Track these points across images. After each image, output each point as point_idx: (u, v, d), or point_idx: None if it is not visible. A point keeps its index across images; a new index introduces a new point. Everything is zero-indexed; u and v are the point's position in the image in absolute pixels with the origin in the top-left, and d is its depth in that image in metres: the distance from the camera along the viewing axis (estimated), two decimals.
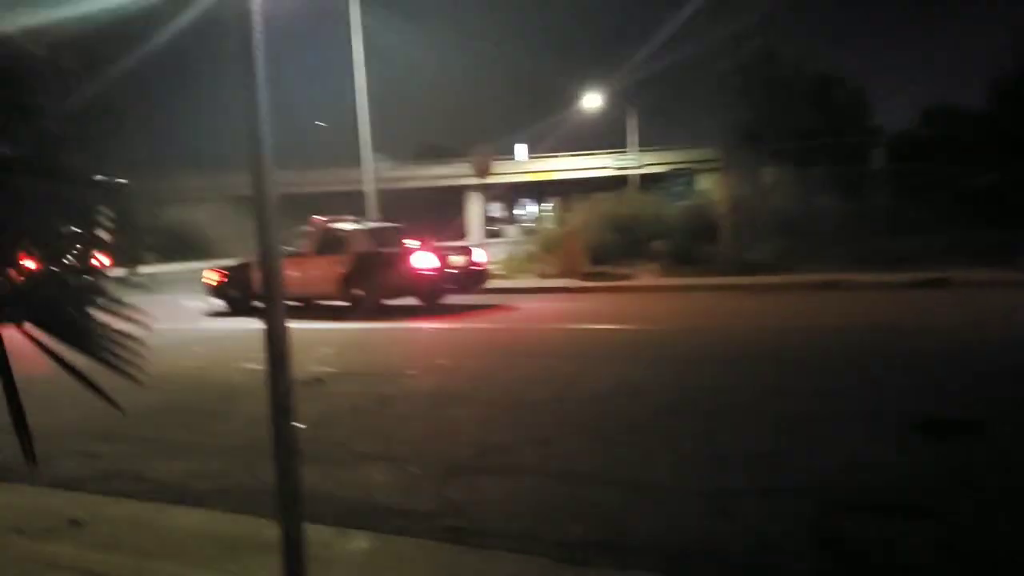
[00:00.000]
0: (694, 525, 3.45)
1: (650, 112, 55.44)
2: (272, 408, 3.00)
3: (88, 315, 2.18)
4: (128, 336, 2.26)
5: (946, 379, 5.88)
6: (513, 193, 70.79)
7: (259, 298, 8.99)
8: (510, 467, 4.35)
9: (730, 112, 19.56)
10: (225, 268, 13.93)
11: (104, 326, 2.18)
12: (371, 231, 12.64)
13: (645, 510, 3.68)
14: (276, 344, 2.97)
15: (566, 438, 4.80)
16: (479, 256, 13.11)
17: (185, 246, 45.86)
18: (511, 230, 48.73)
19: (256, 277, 9.81)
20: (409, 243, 12.89)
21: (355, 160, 23.19)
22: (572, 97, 55.70)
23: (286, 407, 2.93)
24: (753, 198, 16.57)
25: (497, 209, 76.79)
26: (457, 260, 12.39)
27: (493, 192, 66.92)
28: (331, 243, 12.64)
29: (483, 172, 18.59)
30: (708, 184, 22.23)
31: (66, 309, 2.16)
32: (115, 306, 2.25)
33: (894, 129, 30.12)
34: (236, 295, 13.40)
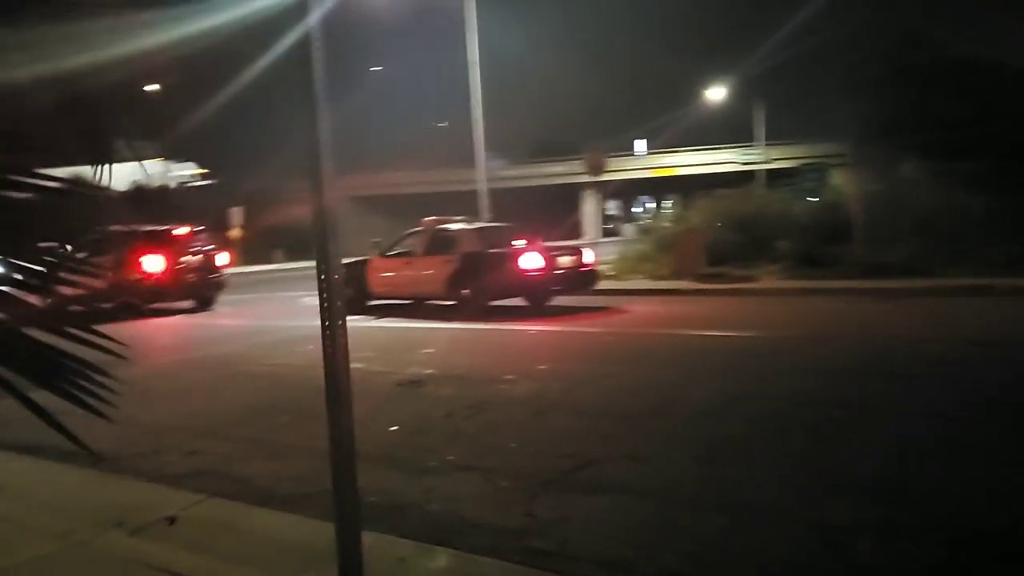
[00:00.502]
0: (801, 561, 3.05)
1: (778, 104, 53.05)
2: (330, 425, 2.86)
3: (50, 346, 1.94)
4: (97, 370, 2.06)
5: None
6: (632, 190, 69.74)
7: (374, 296, 9.02)
8: (604, 484, 4.07)
9: (864, 103, 18.19)
10: (343, 265, 14.25)
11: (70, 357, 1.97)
12: (479, 231, 12.59)
13: (747, 540, 3.31)
14: (336, 350, 2.83)
15: (665, 455, 4.46)
16: (588, 257, 12.80)
17: (311, 245, 48.03)
18: (628, 229, 47.87)
19: (370, 275, 10.07)
20: (518, 243, 12.75)
21: (472, 160, 23.39)
22: (693, 89, 54.23)
23: (344, 427, 2.79)
24: (888, 195, 15.33)
25: (615, 207, 75.88)
26: (565, 261, 12.13)
27: (611, 189, 66.16)
28: (439, 243, 12.69)
29: (596, 169, 18.22)
30: (840, 180, 20.85)
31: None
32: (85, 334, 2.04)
33: None
34: (349, 293, 13.69)
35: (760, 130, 44.34)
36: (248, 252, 42.07)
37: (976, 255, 12.95)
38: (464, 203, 23.74)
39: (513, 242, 12.90)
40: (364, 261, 13.61)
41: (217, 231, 35.57)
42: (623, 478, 4.14)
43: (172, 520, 3.76)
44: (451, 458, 4.62)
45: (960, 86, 23.44)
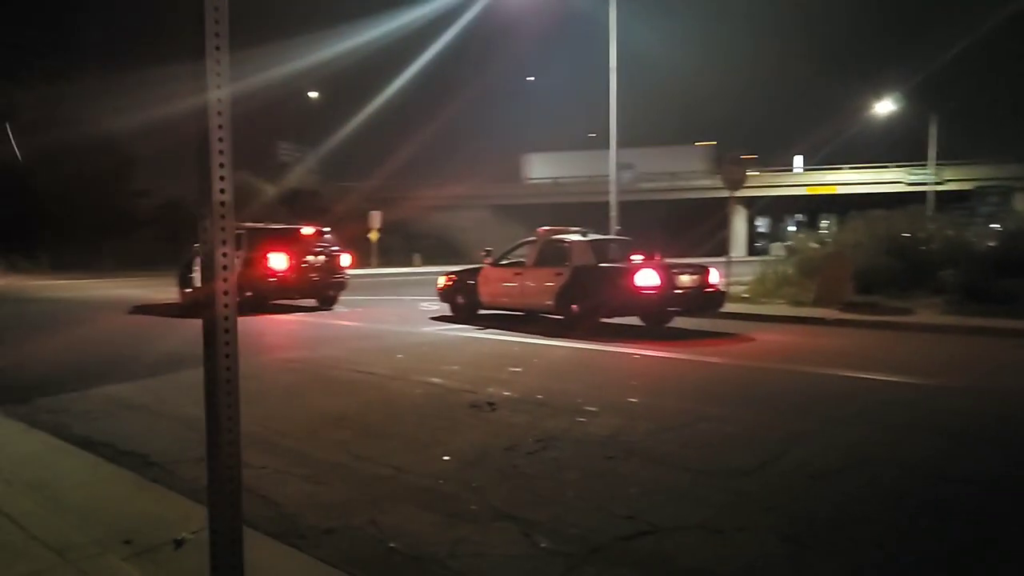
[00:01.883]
0: None
1: (952, 120, 48.60)
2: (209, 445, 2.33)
3: None
4: None
5: None
6: (788, 208, 66.30)
7: (484, 305, 8.60)
8: (663, 559, 3.31)
9: None
10: (455, 273, 14.00)
11: None
12: (593, 244, 11.86)
13: None
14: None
15: (750, 529, 3.61)
16: (714, 276, 11.76)
17: (448, 249, 48.97)
18: (776, 248, 45.23)
19: (481, 284, 9.66)
20: (634, 258, 11.93)
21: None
22: (856, 103, 50.72)
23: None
24: None
25: (766, 225, 72.33)
26: (686, 279, 11.16)
27: (762, 206, 63.12)
28: (551, 254, 12.09)
29: (735, 184, 16.95)
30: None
31: None
32: None
33: None
34: (461, 301, 13.38)
35: (931, 148, 40.53)
36: (385, 254, 43.37)
37: None
38: (601, 214, 23.06)
39: (630, 257, 12.11)
40: (476, 269, 13.26)
41: (354, 233, 36.99)
42: (688, 555, 3.36)
43: (180, 543, 3.40)
44: (496, 503, 4.00)
45: None
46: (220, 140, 1.93)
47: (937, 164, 43.89)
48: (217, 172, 1.91)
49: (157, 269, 28.36)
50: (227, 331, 2.04)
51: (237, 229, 12.18)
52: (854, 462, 4.70)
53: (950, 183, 46.96)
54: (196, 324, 9.36)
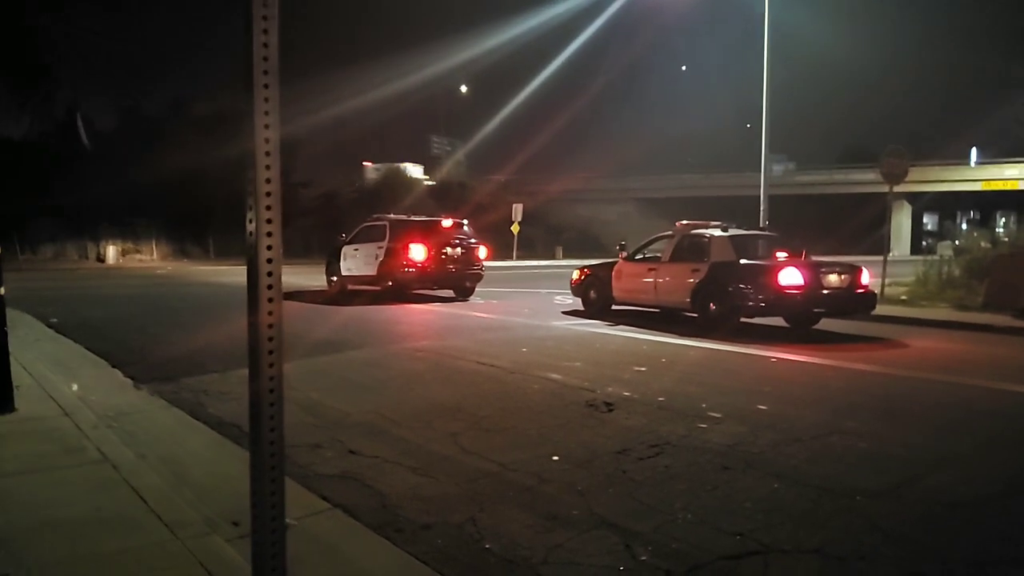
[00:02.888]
0: None
1: None
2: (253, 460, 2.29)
3: None
4: None
5: None
6: (961, 204, 61.00)
7: (618, 301, 8.61)
8: None
9: None
10: (589, 267, 13.85)
11: None
12: (733, 239, 11.32)
13: None
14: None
15: (871, 559, 3.27)
16: (865, 276, 10.93)
17: (591, 243, 48.78)
18: (943, 247, 41.67)
19: (615, 279, 9.58)
20: (779, 256, 11.29)
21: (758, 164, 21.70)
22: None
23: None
24: None
25: (934, 222, 66.95)
26: (834, 279, 10.44)
27: (929, 202, 58.41)
28: (689, 250, 11.67)
29: (895, 178, 15.67)
30: None
31: None
32: None
33: None
34: (594, 296, 13.22)
35: None
36: (528, 247, 43.80)
37: None
38: (749, 209, 22.16)
39: (775, 254, 11.48)
40: (610, 264, 13.04)
41: (497, 225, 37.56)
42: None
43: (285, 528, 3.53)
44: (599, 509, 3.86)
45: None
46: (267, 181, 1.90)
47: None
48: (264, 203, 1.88)
49: (313, 257, 30.16)
50: (271, 351, 2.00)
51: (380, 221, 12.66)
52: (1006, 492, 4.17)
53: None
54: (338, 311, 9.98)
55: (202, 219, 38.49)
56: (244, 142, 1.94)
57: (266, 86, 1.86)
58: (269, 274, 1.91)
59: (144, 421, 5.24)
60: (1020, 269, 13.62)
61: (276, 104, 1.87)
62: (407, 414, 5.82)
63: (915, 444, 5.08)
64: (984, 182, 53.16)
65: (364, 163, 56.75)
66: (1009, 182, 51.60)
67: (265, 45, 1.83)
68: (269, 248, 1.87)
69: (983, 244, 17.18)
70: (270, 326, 1.98)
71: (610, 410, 5.86)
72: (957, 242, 20.68)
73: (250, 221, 1.91)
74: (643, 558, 3.31)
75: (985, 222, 42.39)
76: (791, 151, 63.85)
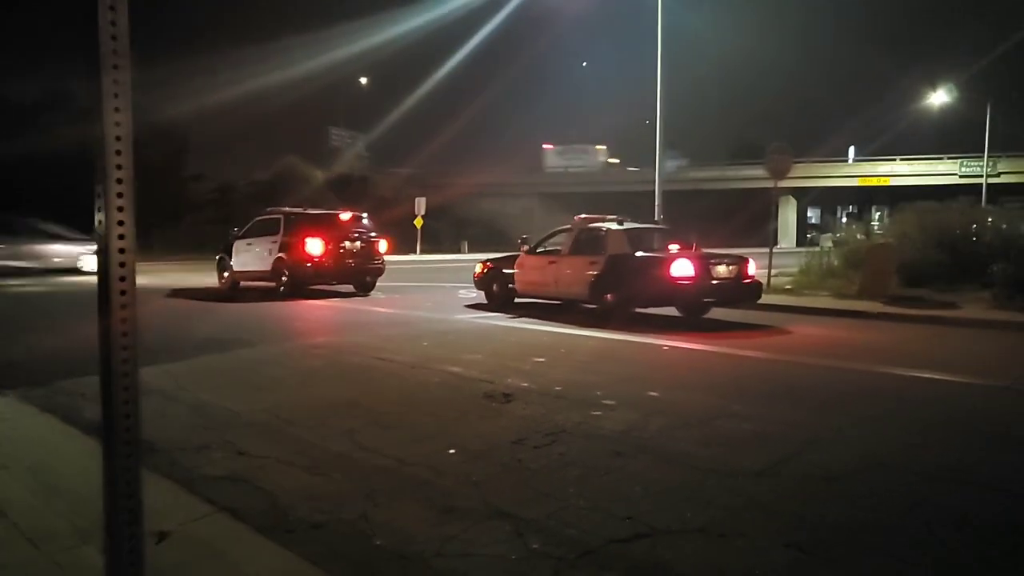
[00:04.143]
0: None
1: (1010, 110, 46.91)
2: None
3: None
4: None
5: None
6: (840, 199, 64.64)
7: (520, 294, 8.59)
8: (657, 566, 3.16)
9: None
10: (491, 261, 13.90)
11: None
12: (629, 233, 11.61)
13: None
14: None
15: (754, 534, 3.43)
16: (752, 267, 11.44)
17: (496, 237, 48.93)
18: (825, 239, 44.18)
19: (517, 272, 9.61)
20: (671, 248, 11.67)
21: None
22: (910, 93, 49.21)
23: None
24: None
25: (817, 216, 70.67)
26: (723, 270, 10.87)
27: (814, 197, 61.62)
28: (587, 243, 11.90)
29: (779, 174, 16.46)
30: None
31: None
32: None
33: None
34: (496, 289, 13.27)
35: (985, 139, 39.16)
36: (433, 241, 43.53)
37: None
38: (648, 204, 22.73)
39: (668, 247, 11.85)
40: (511, 257, 13.14)
41: (401, 219, 37.17)
42: (683, 560, 3.19)
43: (163, 536, 3.36)
44: (494, 499, 3.88)
45: None
46: (119, 168, 1.78)
47: (991, 156, 42.37)
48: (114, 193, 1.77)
49: (206, 253, 28.96)
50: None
51: (275, 214, 12.26)
52: (875, 464, 4.45)
53: (1005, 175, 45.11)
54: (230, 309, 9.62)
55: (88, 216, 36.15)
56: (92, 128, 1.82)
57: (115, 66, 1.75)
58: (122, 272, 1.79)
59: (8, 429, 4.89)
60: (890, 260, 14.61)
61: (127, 86, 1.76)
62: (302, 412, 5.68)
63: (794, 424, 5.35)
64: (860, 178, 56.53)
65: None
66: (881, 178, 55.05)
67: (112, 23, 1.72)
68: (122, 239, 1.76)
69: (858, 236, 18.29)
70: (124, 330, 1.85)
71: (508, 401, 5.90)
72: (837, 235, 21.94)
73: (99, 210, 1.79)
74: (535, 546, 3.34)
75: (861, 216, 45.15)
76: (686, 148, 66.04)
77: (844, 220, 51.32)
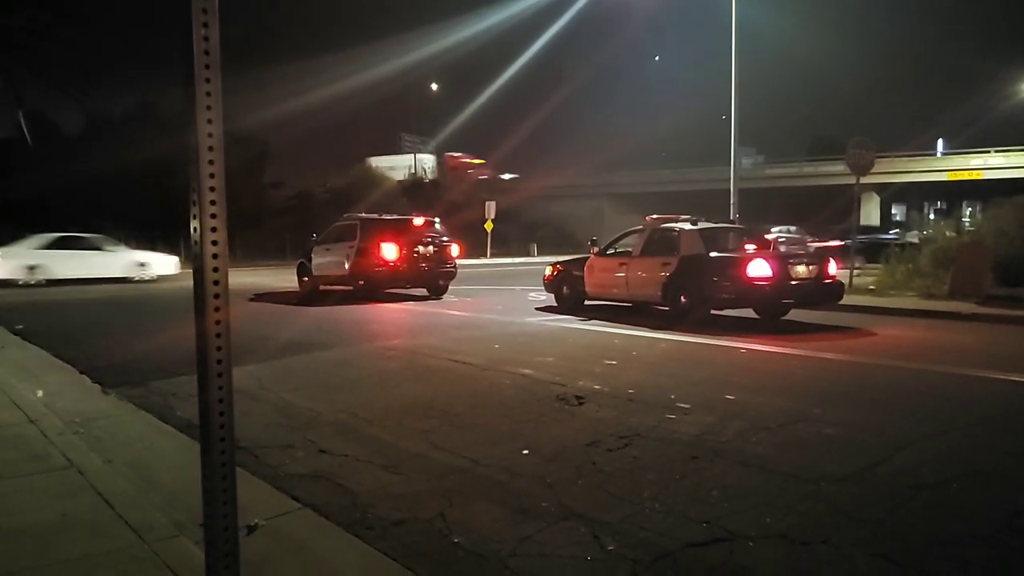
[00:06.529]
0: None
1: None
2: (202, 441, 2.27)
3: None
4: None
5: None
6: (930, 195, 61.98)
7: (590, 296, 8.59)
8: (736, 570, 3.11)
9: None
10: (561, 263, 13.90)
11: None
12: (702, 232, 11.43)
13: None
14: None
15: (836, 541, 3.33)
16: (833, 267, 11.10)
17: (566, 239, 48.87)
18: (911, 236, 42.38)
19: (587, 274, 9.62)
20: (748, 248, 11.42)
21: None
22: (1001, 82, 46.75)
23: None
24: None
25: (903, 212, 67.98)
26: (802, 270, 10.58)
27: (897, 193, 59.28)
28: (659, 244, 11.76)
29: (861, 169, 15.91)
30: None
31: None
32: None
33: None
34: (567, 291, 13.26)
35: None
36: (503, 244, 43.77)
37: None
38: (721, 203, 22.33)
39: (744, 246, 11.60)
40: (582, 259, 13.10)
41: (471, 223, 37.51)
42: (762, 566, 3.14)
43: (252, 529, 3.51)
44: (568, 501, 3.89)
45: None
46: (211, 176, 1.87)
47: None
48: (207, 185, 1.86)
49: (287, 258, 29.90)
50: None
51: (351, 220, 12.56)
52: (968, 473, 4.27)
53: None
54: (309, 312, 9.91)
55: (172, 220, 37.89)
56: (186, 137, 1.92)
57: (207, 79, 1.85)
58: (216, 276, 1.89)
59: (111, 426, 5.18)
60: (984, 257, 13.92)
61: (219, 97, 1.86)
62: (378, 413, 5.81)
63: (880, 429, 5.17)
64: (949, 172, 54.07)
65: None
66: (973, 172, 52.52)
67: (205, 39, 1.81)
68: (215, 245, 1.86)
69: (948, 233, 17.48)
70: (218, 332, 1.95)
71: (581, 404, 5.90)
72: (924, 232, 21.07)
73: (194, 218, 1.89)
74: (611, 548, 3.34)
75: (951, 212, 43.12)
76: (761, 145, 64.52)
77: (932, 216, 49.12)
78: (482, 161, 56.33)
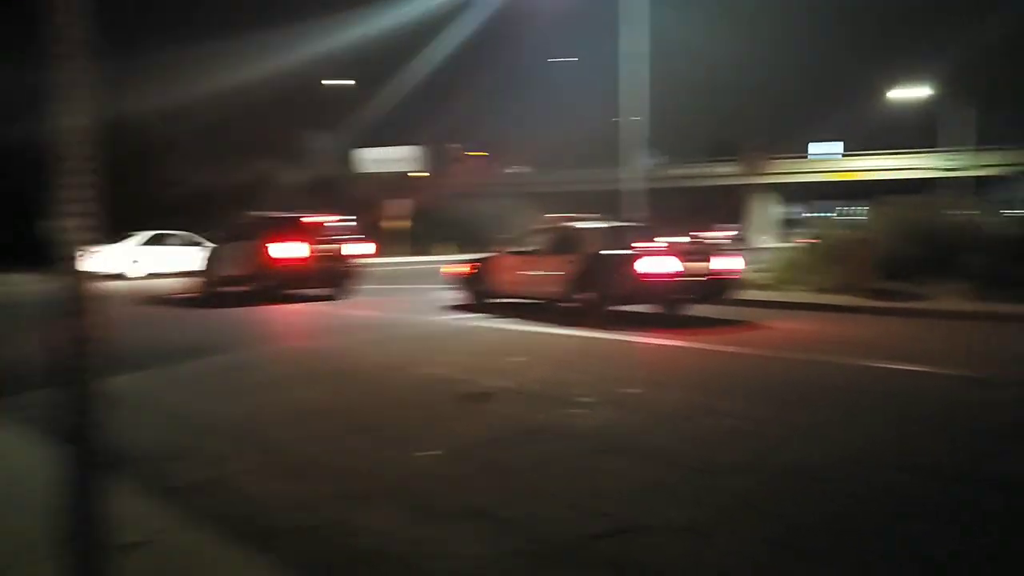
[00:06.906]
0: None
1: (993, 105, 47.84)
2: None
3: None
4: None
5: None
6: (824, 194, 65.23)
7: (498, 294, 8.38)
8: (634, 563, 3.11)
9: None
10: (468, 261, 13.84)
11: None
12: (605, 231, 11.61)
13: None
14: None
15: (734, 531, 3.40)
16: (730, 263, 11.47)
17: (481, 237, 48.79)
18: (805, 234, 44.63)
19: (494, 272, 9.49)
20: (648, 245, 11.62)
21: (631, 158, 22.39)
22: (886, 88, 49.80)
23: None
24: None
25: (799, 211, 71.26)
26: (699, 266, 10.86)
27: (793, 193, 62.11)
28: (563, 242, 11.88)
29: (753, 170, 16.56)
30: None
31: None
32: None
33: None
34: (474, 289, 13.22)
35: (946, 134, 40.06)
36: (415, 242, 43.32)
37: None
38: (627, 202, 22.77)
39: (646, 244, 11.81)
40: (489, 257, 13.09)
41: (378, 221, 37.00)
42: (662, 557, 3.16)
43: (131, 548, 3.27)
44: (470, 499, 3.83)
45: None
46: (81, 163, 1.71)
47: (976, 150, 43.04)
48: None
49: None
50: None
51: (250, 218, 12.06)
52: (855, 459, 4.45)
53: (988, 168, 45.69)
54: (206, 314, 9.45)
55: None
56: (55, 122, 1.75)
57: (69, 58, 1.68)
58: (79, 275, 1.73)
59: None
60: (868, 254, 14.73)
61: (86, 80, 1.70)
62: (277, 418, 5.60)
63: (774, 419, 5.35)
64: (837, 173, 57.06)
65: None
66: (857, 173, 55.55)
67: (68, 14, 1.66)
68: (81, 236, 1.70)
69: (837, 231, 18.43)
70: (86, 337, 1.79)
71: (486, 401, 5.85)
72: (816, 230, 22.16)
73: (58, 206, 1.72)
74: (512, 544, 3.30)
75: (843, 211, 45.60)
76: (666, 146, 66.27)
77: (832, 215, 51.72)
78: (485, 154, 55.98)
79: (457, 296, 13.96)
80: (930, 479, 4.09)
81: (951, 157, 47.29)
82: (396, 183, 50.46)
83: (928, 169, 48.55)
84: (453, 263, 14.07)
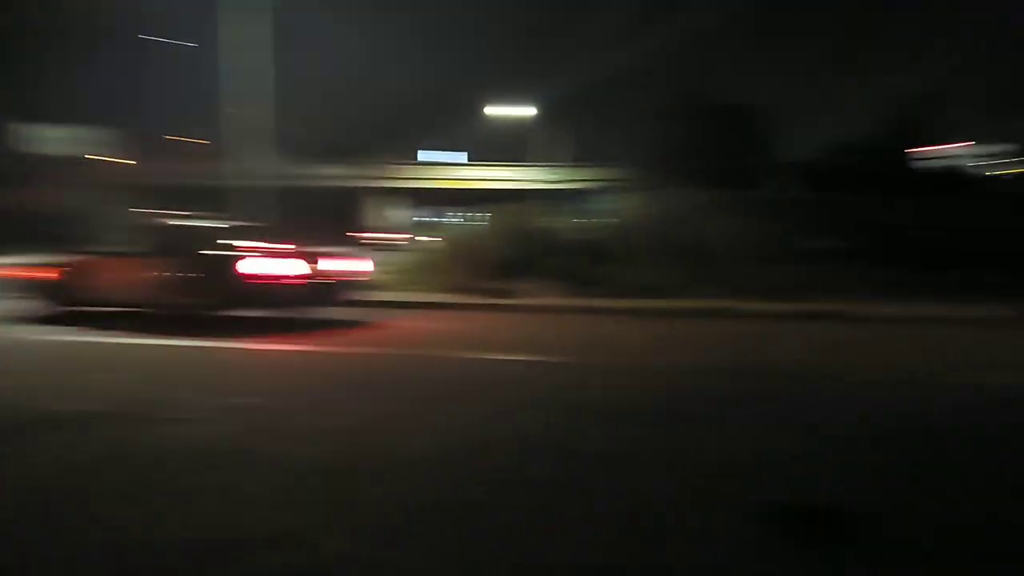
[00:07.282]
0: None
1: (591, 126, 57.39)
2: None
3: None
4: None
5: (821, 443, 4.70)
6: (447, 200, 69.77)
7: (77, 301, 6.79)
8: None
9: (649, 132, 20.47)
10: (39, 265, 11.70)
11: None
12: (211, 230, 10.84)
13: None
14: None
15: (325, 529, 3.34)
16: (352, 265, 11.59)
17: (70, 236, 42.28)
18: (425, 237, 47.66)
19: (76, 276, 7.92)
20: (256, 246, 11.02)
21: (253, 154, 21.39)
22: (491, 106, 55.78)
23: None
24: (653, 218, 16.14)
25: (426, 215, 75.19)
26: (315, 267, 10.65)
27: (421, 198, 65.36)
28: (163, 242, 10.80)
29: (364, 174, 17.13)
30: (622, 203, 21.81)
31: None
32: None
33: (801, 160, 31.21)
34: (47, 296, 11.37)
35: (566, 151, 47.99)
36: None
37: (724, 279, 14.00)
38: (253, 200, 21.63)
39: (255, 244, 11.23)
40: (67, 260, 11.35)
41: None
42: (272, 569, 3.00)
43: None
44: (40, 544, 3.23)
45: (726, 128, 26.48)
46: None
47: (573, 166, 51.58)
48: None
49: None
50: None
51: None
52: (449, 443, 4.71)
53: (582, 182, 53.34)
54: None
55: None
56: None
57: None
58: None
59: None
60: (478, 255, 16.46)
61: None
62: None
63: (377, 414, 5.44)
64: (439, 180, 61.90)
65: None
66: (458, 181, 60.86)
67: None
68: None
69: (448, 235, 20.33)
70: None
71: (59, 428, 5.03)
72: (438, 234, 24.06)
73: None
74: None
75: (472, 216, 49.81)
76: (293, 145, 64.89)
77: (460, 220, 55.36)
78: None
79: (31, 306, 11.80)
80: (505, 450, 4.46)
81: (553, 171, 55.51)
82: None
83: (535, 181, 55.43)
84: (23, 265, 11.91)
